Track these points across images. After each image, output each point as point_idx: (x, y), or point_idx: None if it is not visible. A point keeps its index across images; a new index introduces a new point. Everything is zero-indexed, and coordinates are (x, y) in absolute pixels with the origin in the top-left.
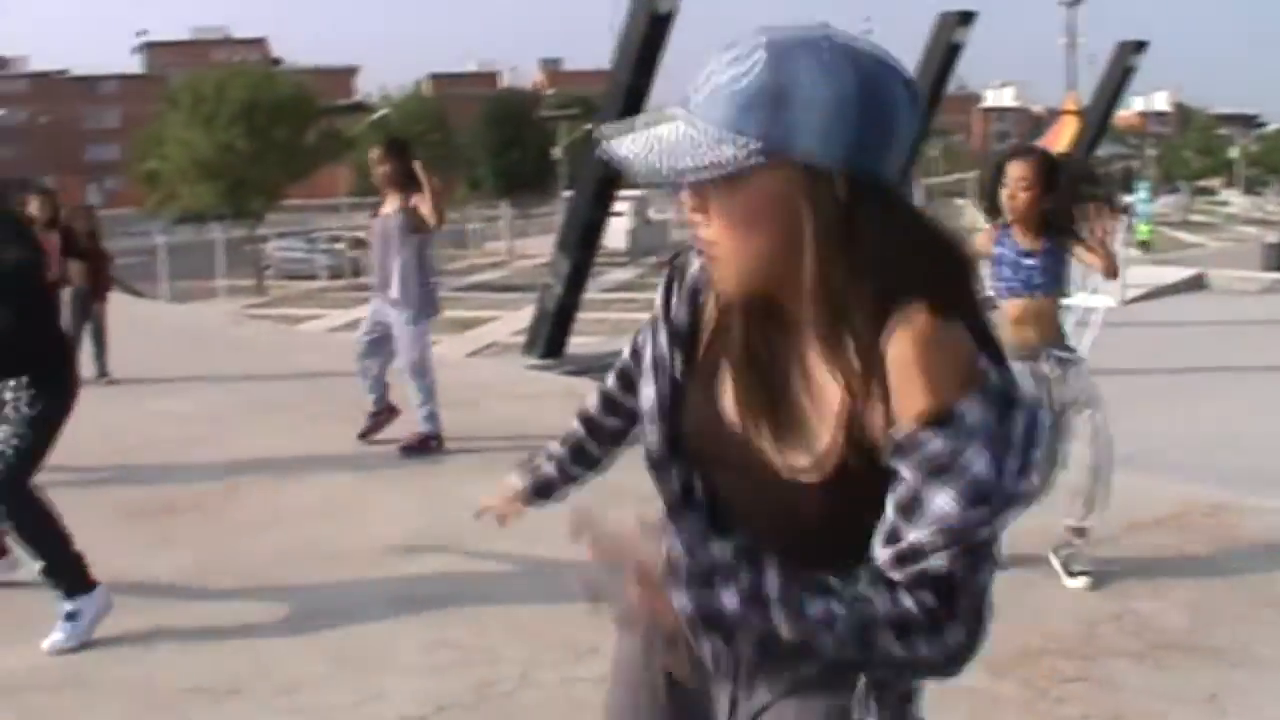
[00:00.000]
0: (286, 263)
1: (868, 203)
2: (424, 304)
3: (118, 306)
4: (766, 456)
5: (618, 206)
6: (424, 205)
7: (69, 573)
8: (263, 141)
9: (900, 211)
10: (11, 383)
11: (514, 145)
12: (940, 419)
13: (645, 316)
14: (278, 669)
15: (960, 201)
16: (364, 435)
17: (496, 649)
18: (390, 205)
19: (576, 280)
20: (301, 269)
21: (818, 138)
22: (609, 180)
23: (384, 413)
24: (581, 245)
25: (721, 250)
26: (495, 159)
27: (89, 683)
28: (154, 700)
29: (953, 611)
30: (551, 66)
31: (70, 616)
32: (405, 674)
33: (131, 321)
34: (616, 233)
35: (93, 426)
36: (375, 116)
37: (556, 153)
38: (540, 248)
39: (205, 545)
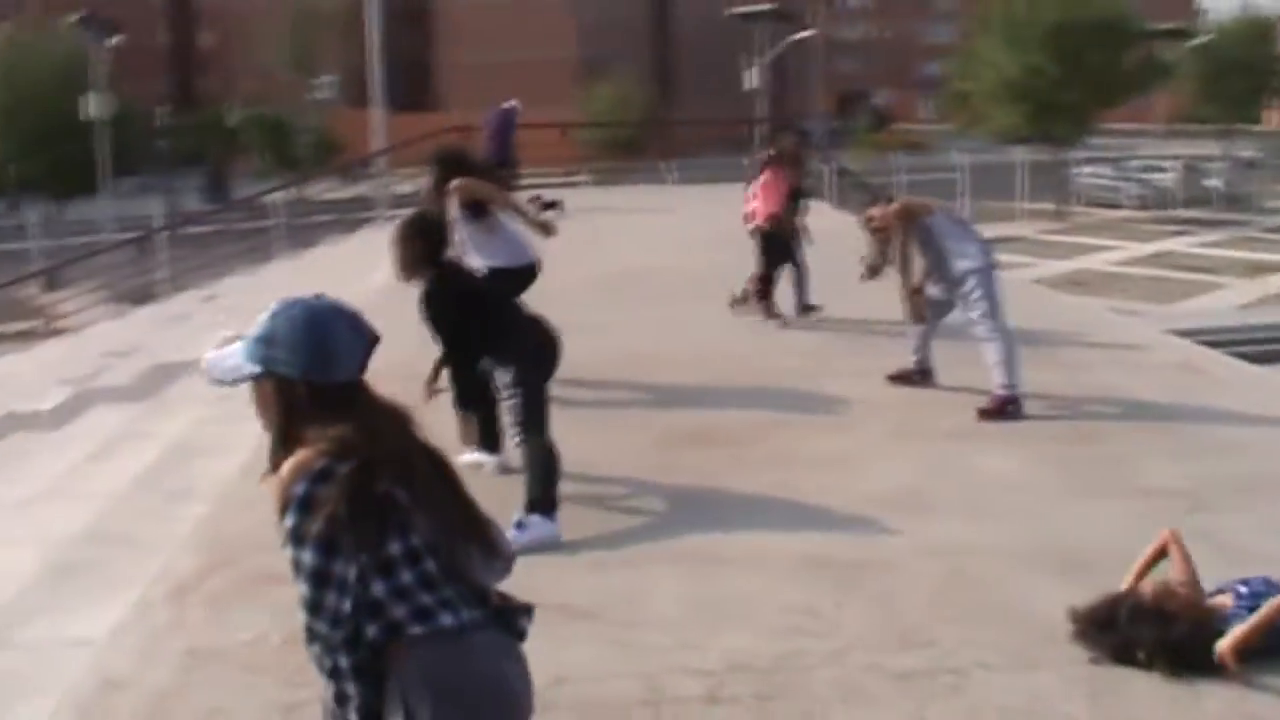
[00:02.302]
0: (1094, 190)
1: (318, 397)
2: (967, 270)
3: None
4: None
5: None
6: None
7: (543, 499)
8: (1073, 65)
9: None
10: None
11: None
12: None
13: None
14: (631, 599)
15: None
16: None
17: (837, 622)
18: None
19: None
20: (1108, 197)
21: (283, 363)
22: None
23: (915, 374)
24: None
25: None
26: None
27: None
28: None
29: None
30: None
31: (519, 525)
32: (739, 629)
33: None
34: None
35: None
36: (1195, 42)
37: None
38: None
39: (701, 476)
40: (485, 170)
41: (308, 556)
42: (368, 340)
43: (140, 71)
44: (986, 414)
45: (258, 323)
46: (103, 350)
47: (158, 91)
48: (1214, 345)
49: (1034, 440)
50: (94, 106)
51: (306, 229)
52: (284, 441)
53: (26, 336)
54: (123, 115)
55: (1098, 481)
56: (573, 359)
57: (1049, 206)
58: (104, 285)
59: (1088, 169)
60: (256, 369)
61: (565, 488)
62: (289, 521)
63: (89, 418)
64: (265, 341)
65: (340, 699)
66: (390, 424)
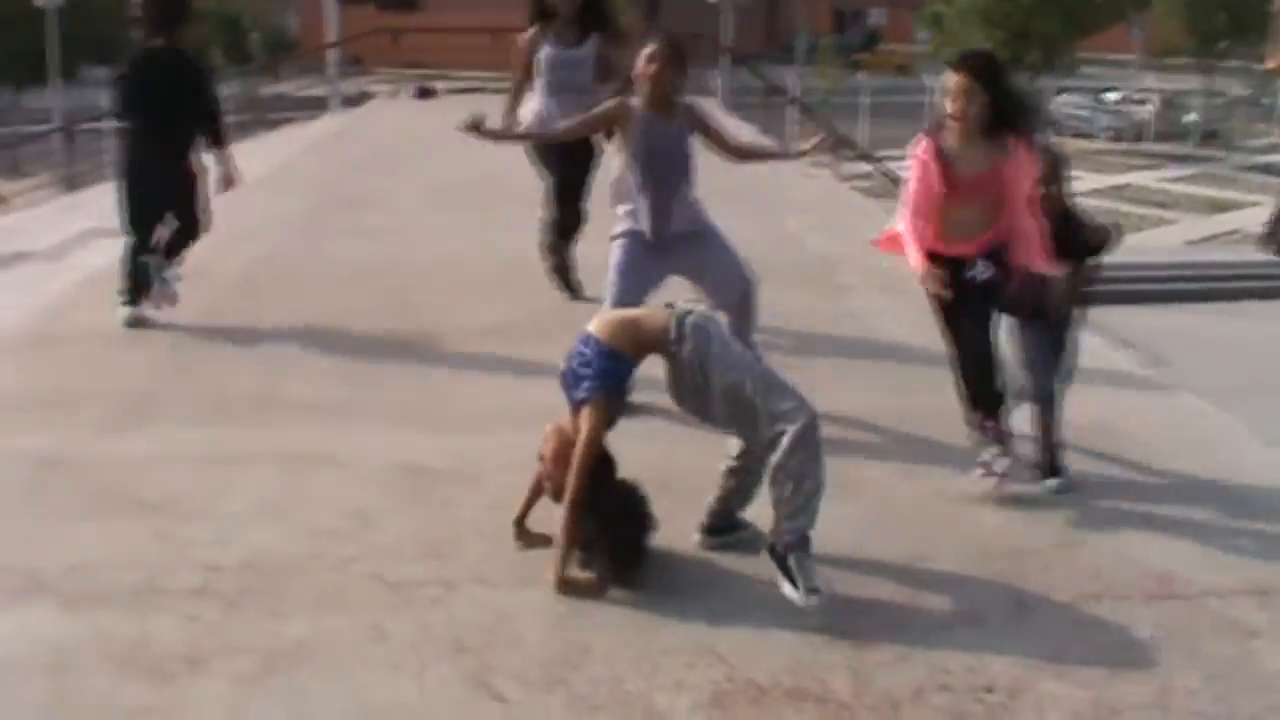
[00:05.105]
0: (1069, 119)
1: None
2: None
3: None
4: None
5: None
6: None
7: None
8: None
9: None
10: None
11: None
12: None
13: None
14: (210, 495)
15: None
16: None
17: (378, 527)
18: None
19: None
20: (1082, 127)
21: None
22: None
23: None
24: None
25: None
26: None
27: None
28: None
29: None
30: None
31: None
32: (280, 527)
33: None
34: None
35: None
36: None
37: None
38: None
39: (384, 380)
40: None
41: None
42: None
43: None
44: None
45: None
46: None
47: None
48: None
49: None
50: None
51: (241, 125)
52: None
53: None
54: (83, 3)
55: None
56: (345, 258)
57: None
58: (50, 171)
59: (1065, 98)
60: None
61: (234, 385)
62: None
63: None
64: None
65: None
66: None
